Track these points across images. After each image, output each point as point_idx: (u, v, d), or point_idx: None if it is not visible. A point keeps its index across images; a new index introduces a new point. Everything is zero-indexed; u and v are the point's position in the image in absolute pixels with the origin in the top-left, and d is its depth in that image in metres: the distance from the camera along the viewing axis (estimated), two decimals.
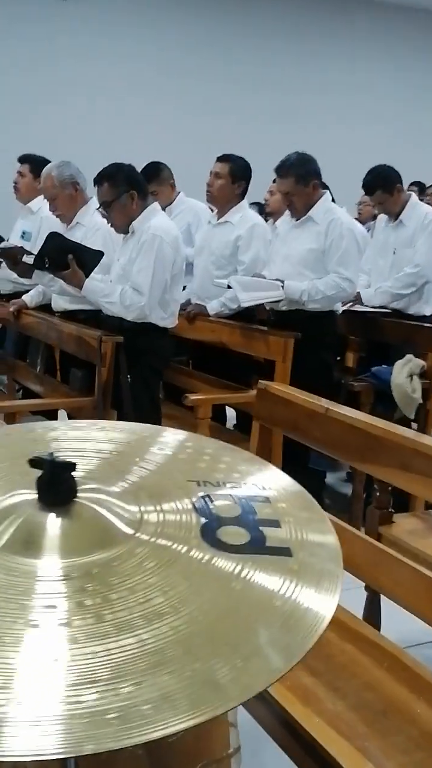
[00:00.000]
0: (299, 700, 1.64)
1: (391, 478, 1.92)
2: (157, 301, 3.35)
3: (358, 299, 4.23)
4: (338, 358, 4.89)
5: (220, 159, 4.11)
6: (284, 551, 0.98)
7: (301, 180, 3.65)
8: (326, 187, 4.83)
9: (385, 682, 1.72)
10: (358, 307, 4.21)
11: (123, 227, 3.45)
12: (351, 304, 4.18)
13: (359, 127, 9.41)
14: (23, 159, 4.59)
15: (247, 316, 3.96)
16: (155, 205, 3.49)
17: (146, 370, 3.44)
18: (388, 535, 2.51)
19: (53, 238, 3.50)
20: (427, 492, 1.85)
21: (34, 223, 4.51)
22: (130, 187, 3.38)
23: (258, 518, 1.04)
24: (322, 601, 0.90)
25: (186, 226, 4.71)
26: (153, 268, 3.30)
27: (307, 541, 1.01)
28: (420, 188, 7.74)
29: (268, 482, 1.16)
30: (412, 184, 8.03)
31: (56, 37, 8.08)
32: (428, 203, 7.36)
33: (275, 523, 1.03)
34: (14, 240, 4.59)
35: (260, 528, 1.01)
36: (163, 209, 4.74)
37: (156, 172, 4.74)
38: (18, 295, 4.40)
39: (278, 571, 0.94)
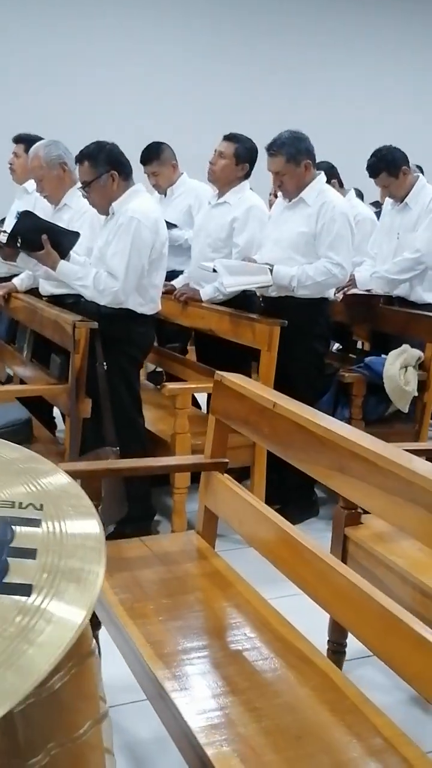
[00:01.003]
0: (205, 721, 1.51)
1: (328, 479, 1.77)
2: (134, 287, 3.22)
3: (352, 283, 4.04)
4: (340, 346, 4.73)
5: (226, 138, 3.93)
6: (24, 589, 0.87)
7: (292, 159, 3.48)
8: (333, 168, 4.68)
9: (308, 702, 1.59)
10: (355, 290, 4.01)
11: (103, 208, 3.33)
12: (346, 288, 4.00)
13: (371, 108, 9.15)
14: (18, 139, 4.48)
15: (243, 302, 3.81)
16: (138, 187, 3.35)
17: (124, 358, 3.32)
18: (354, 538, 2.37)
19: (26, 217, 3.39)
20: (361, 497, 1.70)
21: (29, 203, 4.40)
22: (111, 167, 3.25)
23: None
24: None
25: (187, 208, 4.58)
26: (129, 251, 3.17)
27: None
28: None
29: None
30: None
31: (54, 16, 7.93)
32: None
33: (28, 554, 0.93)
34: (10, 220, 4.50)
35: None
36: (165, 190, 4.66)
37: (157, 152, 4.61)
38: (13, 278, 4.32)
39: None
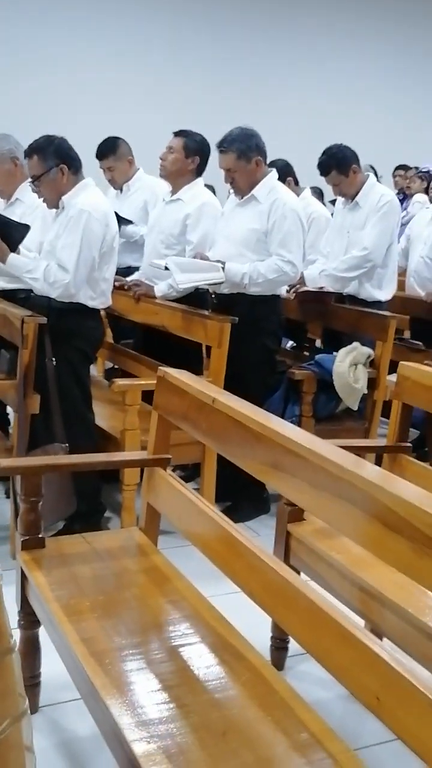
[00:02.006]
0: (134, 718, 1.51)
1: (262, 475, 1.78)
2: (84, 279, 3.20)
3: (302, 282, 4.05)
4: (294, 344, 4.75)
5: (176, 134, 3.92)
6: None
7: (243, 156, 3.48)
8: (289, 167, 4.69)
9: (237, 698, 1.59)
10: (306, 288, 4.03)
11: (53, 202, 3.29)
12: (297, 286, 4.01)
13: (354, 108, 9.21)
14: None
15: (196, 299, 3.80)
16: (88, 181, 3.32)
17: (73, 353, 3.29)
18: (296, 534, 2.38)
19: None
20: (293, 492, 1.70)
21: None
22: (61, 161, 3.22)
23: None
24: None
25: (143, 204, 4.55)
26: (79, 244, 3.15)
27: None
28: (403, 168, 7.56)
29: None
30: (398, 167, 7.86)
31: (8, 8, 7.86)
32: (408, 186, 7.24)
33: None
34: None
35: None
36: (120, 186, 4.62)
37: (113, 147, 4.58)
38: None
39: None
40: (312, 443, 1.63)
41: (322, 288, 4.04)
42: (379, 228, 3.96)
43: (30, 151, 3.24)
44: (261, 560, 1.75)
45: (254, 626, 2.03)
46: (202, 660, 1.72)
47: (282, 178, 4.63)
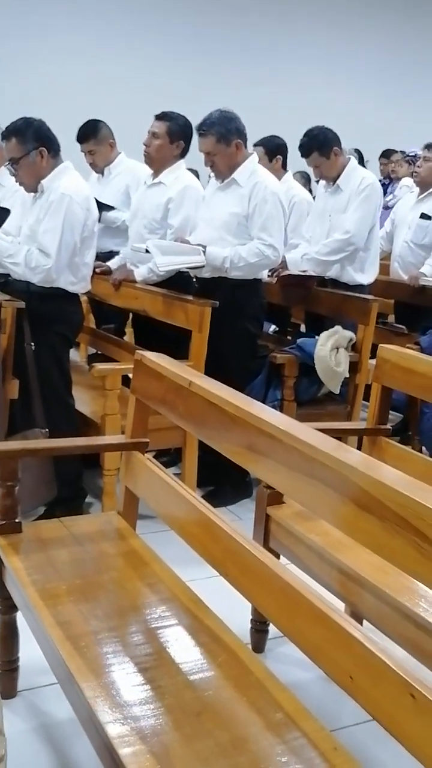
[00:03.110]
0: (108, 701, 1.50)
1: (237, 457, 1.77)
2: (66, 264, 3.18)
3: (284, 265, 4.04)
4: (276, 328, 4.74)
5: (158, 117, 3.86)
6: None
7: (222, 139, 3.45)
8: (282, 147, 4.64)
9: (213, 679, 1.59)
10: (288, 272, 4.01)
11: (32, 185, 3.26)
12: (279, 270, 4.00)
13: (343, 94, 9.16)
14: None
15: (179, 283, 3.78)
16: (67, 164, 3.29)
17: (54, 338, 3.27)
18: (275, 517, 2.38)
19: None
20: (268, 474, 1.70)
21: None
22: (40, 144, 3.18)
23: None
24: None
25: (124, 188, 4.50)
26: (61, 229, 3.12)
27: None
28: (385, 155, 7.54)
29: None
30: (382, 154, 7.82)
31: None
32: (393, 170, 7.23)
33: None
34: None
35: None
36: (102, 170, 4.58)
37: (94, 130, 4.52)
38: None
39: None
40: (286, 425, 1.63)
41: (304, 272, 4.03)
42: (360, 211, 3.94)
43: (8, 134, 3.20)
44: (238, 543, 1.75)
45: (234, 609, 2.03)
46: (178, 642, 1.72)
47: (271, 156, 4.63)
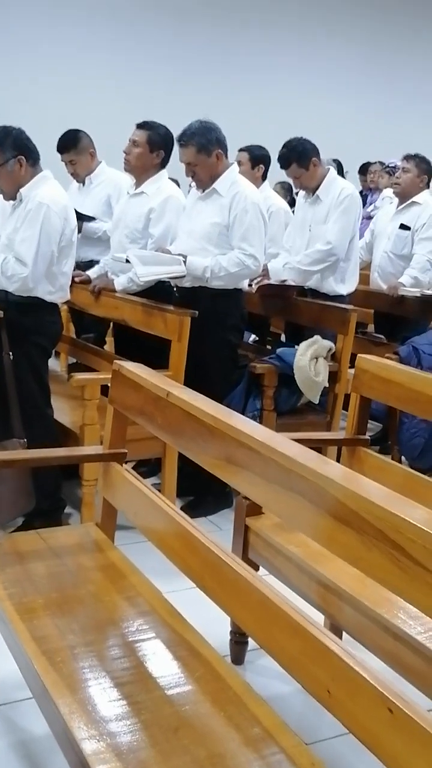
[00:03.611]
0: (84, 717, 1.48)
1: (216, 469, 1.76)
2: (43, 273, 3.15)
3: (266, 274, 4.04)
4: (256, 338, 4.74)
5: (139, 126, 3.86)
6: None
7: (203, 149, 3.45)
8: (265, 158, 4.66)
9: (191, 694, 1.58)
10: (267, 281, 4.01)
11: (10, 194, 3.24)
12: (259, 279, 4.00)
13: (323, 103, 9.21)
14: None
15: (159, 293, 3.77)
16: (46, 173, 3.27)
17: (32, 348, 3.24)
18: (254, 528, 2.37)
19: None
20: (246, 486, 1.69)
21: None
22: (18, 152, 3.16)
23: None
24: None
25: (106, 198, 4.49)
26: (38, 238, 3.10)
27: None
28: (362, 171, 7.58)
29: None
30: (359, 170, 7.84)
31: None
32: (372, 181, 7.27)
33: None
34: None
35: None
36: (83, 179, 4.57)
37: (74, 140, 4.51)
38: None
39: None
40: (264, 436, 1.62)
41: (284, 281, 4.04)
42: (341, 222, 3.96)
43: None
44: (216, 556, 1.73)
45: (214, 621, 2.02)
46: (156, 657, 1.71)
47: (254, 164, 4.64)
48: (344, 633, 2.15)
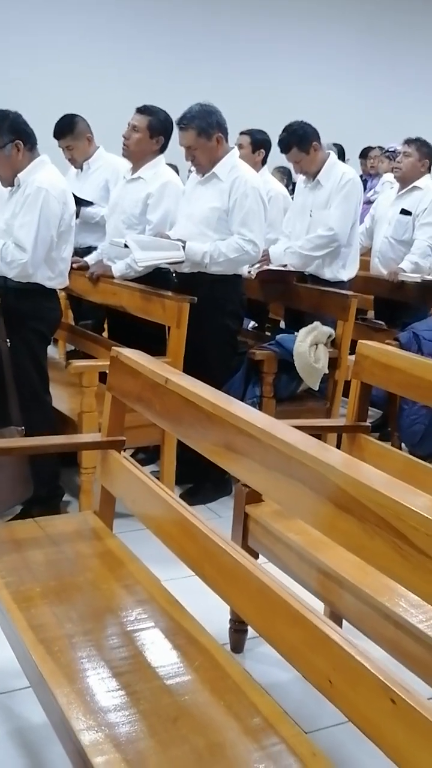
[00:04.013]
0: (82, 707, 1.47)
1: (215, 456, 1.74)
2: (42, 259, 3.12)
3: (266, 259, 4.00)
4: (255, 324, 4.71)
5: (139, 110, 3.80)
6: None
7: (203, 133, 3.40)
8: (266, 142, 4.61)
9: (190, 683, 1.56)
10: (267, 267, 3.97)
11: (8, 179, 3.19)
12: (259, 265, 3.96)
13: (323, 88, 9.13)
14: None
15: (158, 279, 3.74)
16: (44, 158, 3.22)
17: (31, 334, 3.21)
18: (254, 516, 2.35)
19: None
20: (245, 473, 1.67)
21: None
22: (16, 137, 3.12)
23: None
24: None
25: (104, 183, 4.45)
26: (37, 223, 3.06)
27: None
28: (363, 155, 7.52)
29: None
30: (360, 155, 7.78)
31: None
32: (373, 166, 7.22)
33: None
34: None
35: None
36: (80, 164, 4.52)
37: (70, 125, 4.46)
38: None
39: None
40: (264, 423, 1.60)
41: (284, 266, 4.00)
42: (343, 208, 3.92)
43: None
44: (215, 544, 1.71)
45: (213, 609, 2.00)
46: (154, 646, 1.69)
47: (255, 148, 4.60)
48: (344, 621, 2.13)
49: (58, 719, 1.49)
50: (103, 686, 1.54)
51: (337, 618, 2.48)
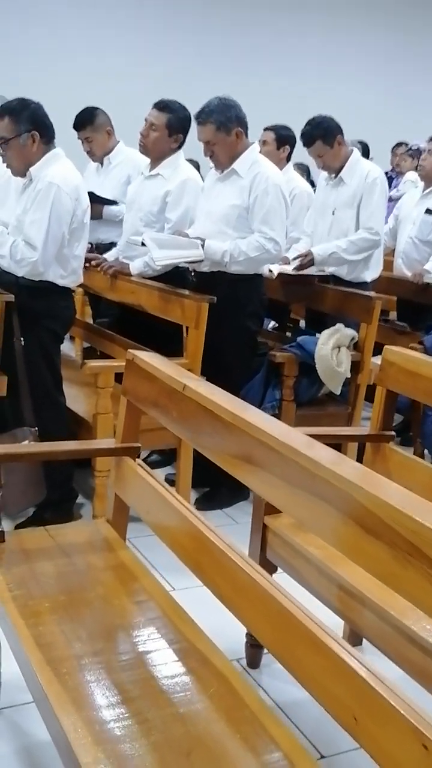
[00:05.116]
0: (89, 737, 1.38)
1: (234, 469, 1.64)
2: (53, 257, 3.03)
3: (310, 261, 3.87)
4: (276, 324, 4.61)
5: (157, 107, 3.70)
6: None
7: (222, 127, 3.30)
8: (292, 138, 4.50)
9: (204, 712, 1.47)
10: (285, 269, 3.87)
11: (20, 170, 3.10)
12: (299, 264, 3.85)
13: (346, 85, 8.99)
14: None
15: (175, 277, 3.64)
16: (58, 151, 3.13)
17: (44, 333, 3.13)
18: (272, 527, 2.26)
19: None
20: (266, 489, 1.57)
21: None
22: (34, 127, 3.03)
23: None
24: None
25: (126, 178, 4.36)
26: (48, 220, 2.97)
27: None
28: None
29: None
30: (398, 144, 7.65)
31: None
32: (397, 164, 7.08)
33: None
34: None
35: None
36: (101, 159, 4.43)
37: (90, 117, 4.38)
38: None
39: None
40: (285, 435, 1.50)
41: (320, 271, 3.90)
42: (380, 208, 3.85)
43: (2, 112, 3.04)
44: (230, 559, 1.62)
45: (228, 621, 1.89)
46: (167, 668, 1.60)
47: (280, 144, 4.49)
48: (365, 640, 2.04)
49: (64, 748, 1.41)
50: (112, 713, 1.45)
51: (357, 636, 2.39)
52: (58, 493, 3.20)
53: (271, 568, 2.25)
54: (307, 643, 1.39)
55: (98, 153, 4.42)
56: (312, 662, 1.38)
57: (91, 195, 3.97)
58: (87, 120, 4.35)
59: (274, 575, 2.26)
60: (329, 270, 3.93)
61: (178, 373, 1.97)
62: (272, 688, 2.33)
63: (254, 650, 2.37)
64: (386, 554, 1.22)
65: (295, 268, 3.85)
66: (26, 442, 2.95)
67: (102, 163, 4.44)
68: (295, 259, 3.90)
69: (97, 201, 4.11)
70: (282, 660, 1.49)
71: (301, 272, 3.89)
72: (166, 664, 1.62)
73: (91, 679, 1.54)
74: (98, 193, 4.21)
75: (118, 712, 1.45)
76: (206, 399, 1.76)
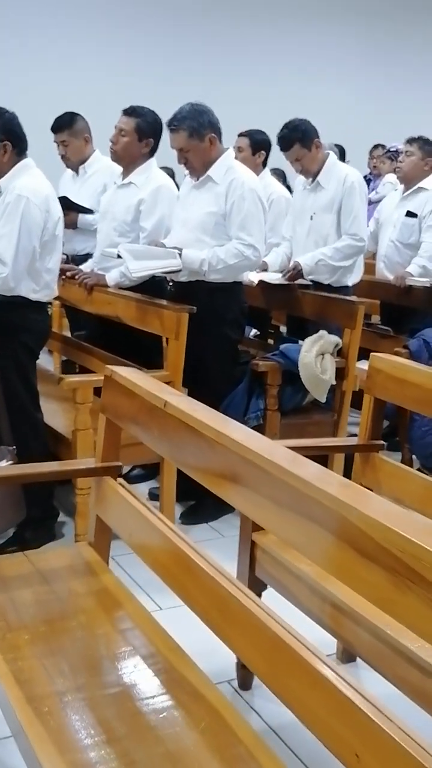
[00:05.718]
0: None
1: (220, 489, 1.56)
2: (24, 271, 2.93)
3: (298, 273, 3.82)
4: (257, 332, 4.54)
5: (126, 112, 3.63)
6: None
7: (195, 134, 3.23)
8: (266, 143, 4.44)
9: (194, 750, 1.38)
10: (265, 276, 3.80)
11: None
12: (291, 274, 3.81)
13: (323, 88, 8.97)
14: None
15: (153, 287, 3.56)
16: (28, 161, 3.03)
17: (18, 349, 3.03)
18: (261, 544, 2.18)
19: None
20: (252, 509, 1.49)
21: None
22: (6, 138, 2.94)
23: None
24: None
25: (102, 188, 4.27)
26: (18, 233, 2.88)
27: None
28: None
29: None
30: (375, 146, 7.62)
31: None
32: (375, 167, 7.05)
33: None
34: None
35: None
36: (76, 166, 4.34)
37: (70, 121, 4.28)
38: None
39: None
40: (273, 453, 1.42)
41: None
42: (362, 212, 3.80)
43: None
44: (220, 585, 1.54)
45: (219, 641, 1.82)
46: (154, 702, 1.51)
47: (255, 150, 4.43)
48: (358, 659, 1.96)
49: None
50: (97, 755, 1.36)
51: (350, 655, 2.32)
52: (39, 512, 3.11)
53: (260, 587, 2.18)
54: (303, 675, 1.31)
55: (73, 159, 4.34)
56: (309, 696, 1.30)
57: (66, 201, 3.89)
58: (66, 123, 4.27)
59: (263, 593, 2.19)
60: (310, 276, 3.87)
61: (158, 388, 1.89)
62: (265, 710, 2.25)
63: (245, 672, 2.29)
64: (384, 579, 1.14)
65: (285, 279, 3.81)
66: (3, 462, 2.85)
67: (77, 172, 4.36)
68: (284, 274, 3.86)
69: (71, 208, 4.03)
70: (277, 693, 1.41)
71: (279, 282, 3.84)
72: (153, 696, 1.53)
73: (75, 718, 1.45)
74: (74, 202, 4.13)
75: (103, 754, 1.36)
76: (188, 416, 1.68)
